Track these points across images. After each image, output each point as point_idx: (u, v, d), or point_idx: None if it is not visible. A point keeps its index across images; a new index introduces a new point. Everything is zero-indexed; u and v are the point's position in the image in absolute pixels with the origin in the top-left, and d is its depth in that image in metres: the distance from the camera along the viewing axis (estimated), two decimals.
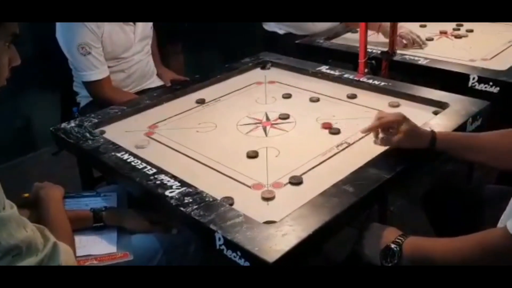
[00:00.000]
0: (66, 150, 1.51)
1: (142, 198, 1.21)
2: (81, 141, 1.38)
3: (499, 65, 1.73)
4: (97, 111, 1.61)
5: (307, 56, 2.02)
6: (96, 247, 1.15)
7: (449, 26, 2.20)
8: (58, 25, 1.79)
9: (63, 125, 1.47)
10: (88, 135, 1.40)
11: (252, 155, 1.28)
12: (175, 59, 2.64)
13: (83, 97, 1.96)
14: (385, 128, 1.22)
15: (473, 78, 1.65)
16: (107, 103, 1.74)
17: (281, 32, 2.39)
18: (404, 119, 1.19)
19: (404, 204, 1.98)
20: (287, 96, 1.63)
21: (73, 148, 1.41)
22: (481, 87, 1.64)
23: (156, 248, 1.22)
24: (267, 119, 1.49)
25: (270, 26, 2.44)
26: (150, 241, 1.21)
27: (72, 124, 1.47)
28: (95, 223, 1.19)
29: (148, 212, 1.22)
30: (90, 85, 1.83)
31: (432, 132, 1.19)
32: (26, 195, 1.20)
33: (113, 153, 1.29)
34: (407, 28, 2.02)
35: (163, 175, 1.17)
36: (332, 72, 1.75)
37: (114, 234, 1.19)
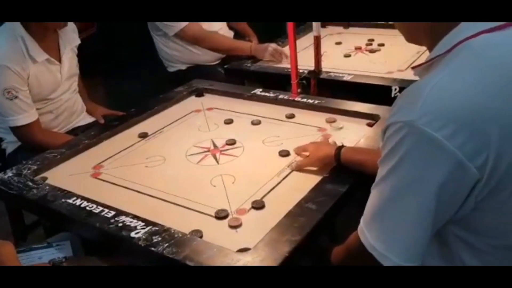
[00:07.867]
0: (5, 202, 1.42)
1: (103, 244, 1.17)
2: (24, 191, 1.29)
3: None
4: (27, 156, 1.52)
5: (232, 81, 2.08)
6: None
7: (362, 42, 2.36)
8: None
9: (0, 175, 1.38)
10: (30, 183, 1.32)
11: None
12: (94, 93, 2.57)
13: (10, 143, 1.85)
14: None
15: (395, 89, 1.79)
16: (38, 146, 1.66)
17: (184, 67, 2.47)
18: (311, 144, 1.35)
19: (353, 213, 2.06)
20: (229, 121, 1.66)
21: (15, 199, 1.33)
22: None
23: None
24: (215, 146, 1.50)
25: (175, 66, 2.50)
26: None
27: (9, 173, 1.38)
28: None
29: (111, 257, 1.18)
30: (18, 130, 1.73)
31: (338, 147, 1.27)
32: None
33: (63, 200, 1.24)
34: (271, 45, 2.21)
35: (123, 216, 1.15)
36: (267, 94, 1.81)
37: None
